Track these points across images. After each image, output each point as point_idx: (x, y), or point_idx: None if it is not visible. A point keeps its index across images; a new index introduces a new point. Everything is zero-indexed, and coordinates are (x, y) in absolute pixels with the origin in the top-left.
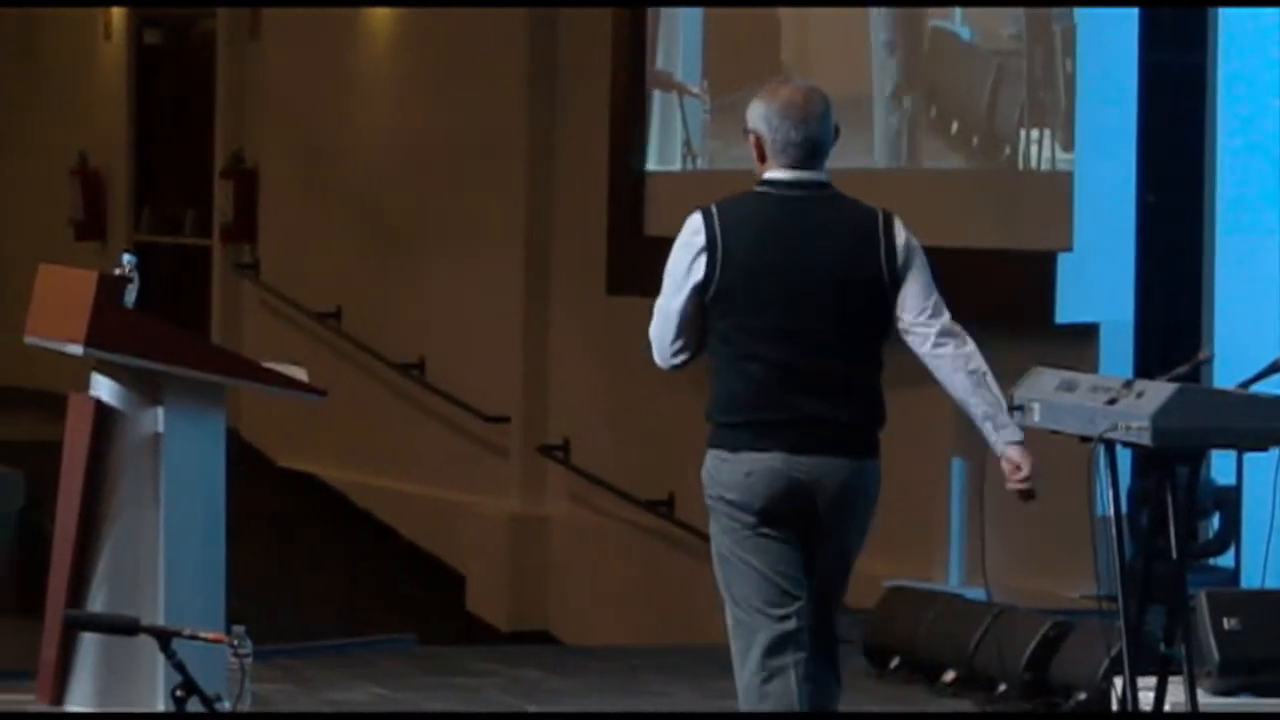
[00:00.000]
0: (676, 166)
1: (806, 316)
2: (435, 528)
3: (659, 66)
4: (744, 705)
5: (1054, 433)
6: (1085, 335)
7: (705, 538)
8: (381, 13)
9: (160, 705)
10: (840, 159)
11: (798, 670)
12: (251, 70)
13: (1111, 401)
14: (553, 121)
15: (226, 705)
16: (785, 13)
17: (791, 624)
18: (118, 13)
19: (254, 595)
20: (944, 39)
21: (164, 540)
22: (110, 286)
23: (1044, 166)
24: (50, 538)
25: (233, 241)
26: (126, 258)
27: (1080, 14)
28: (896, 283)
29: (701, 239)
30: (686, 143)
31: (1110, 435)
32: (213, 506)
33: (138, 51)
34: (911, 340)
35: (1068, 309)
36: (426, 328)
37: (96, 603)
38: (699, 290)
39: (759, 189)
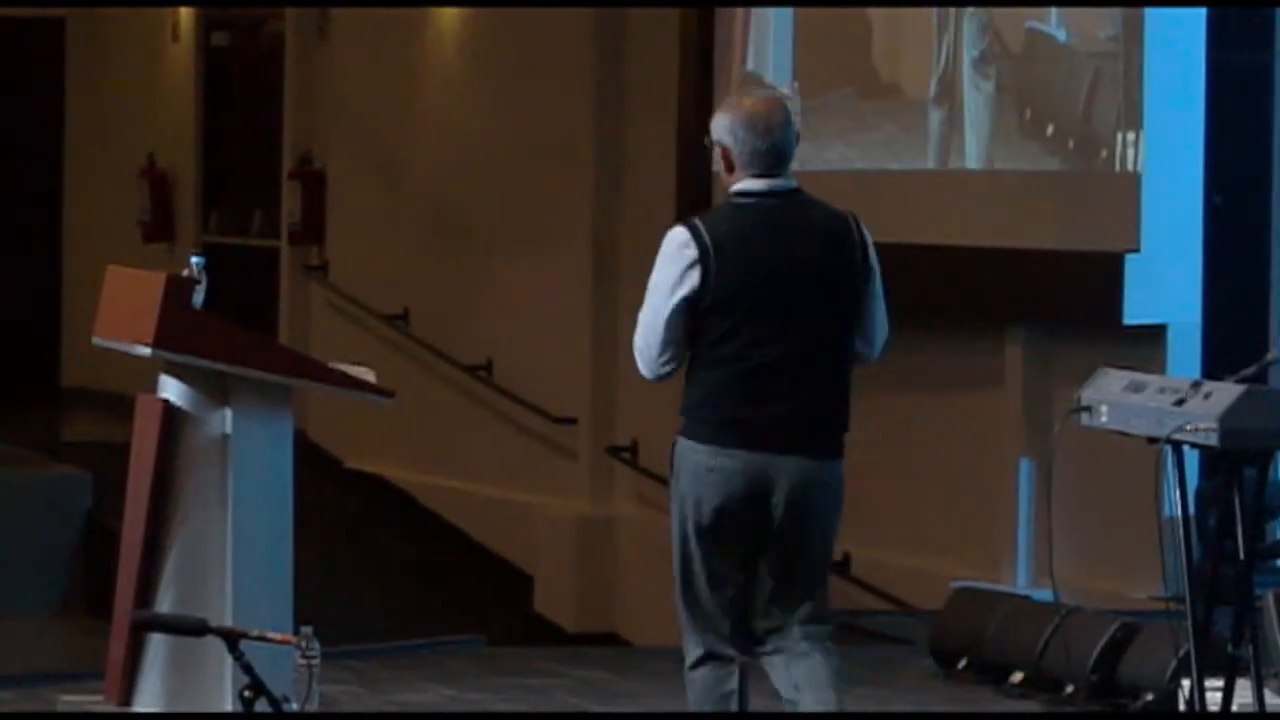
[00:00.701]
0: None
1: (796, 318)
2: (503, 529)
3: (749, 68)
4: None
5: (1121, 434)
6: (1153, 336)
7: None
8: (450, 13)
9: (228, 706)
10: (922, 160)
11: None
12: (320, 71)
13: (1179, 403)
14: (621, 121)
15: (294, 706)
16: (876, 14)
17: (729, 650)
18: (186, 15)
19: (321, 596)
20: (1040, 40)
21: (232, 541)
22: (178, 288)
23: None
24: (118, 539)
25: (301, 243)
26: (195, 259)
27: (1149, 15)
28: (868, 281)
29: (693, 251)
30: None
31: (1177, 436)
32: (280, 508)
33: (206, 53)
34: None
35: (1135, 310)
36: (494, 329)
37: (164, 604)
38: (690, 301)
39: (736, 200)
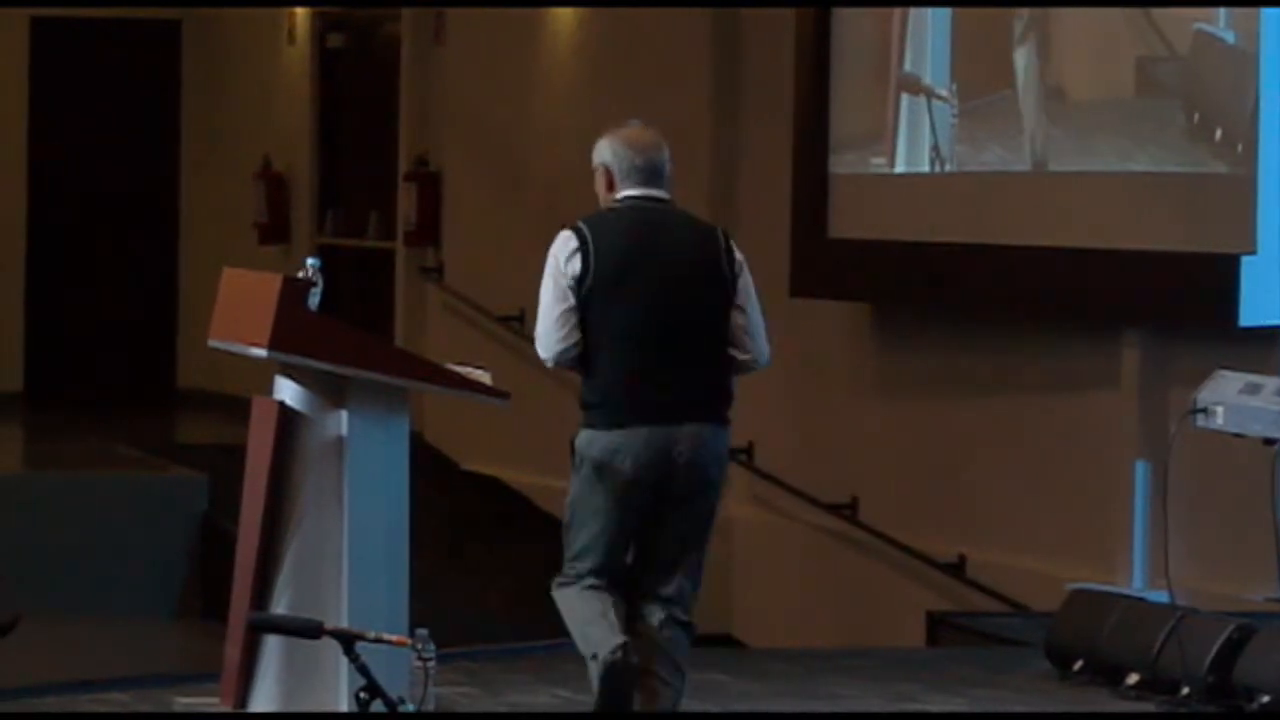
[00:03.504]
0: (924, 169)
1: (666, 302)
2: None
3: (907, 69)
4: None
5: (1238, 436)
6: (1269, 338)
7: (890, 541)
8: (565, 13)
9: (343, 708)
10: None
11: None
12: (435, 73)
13: None
14: (736, 122)
15: (410, 708)
16: (1038, 15)
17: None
18: (301, 16)
19: (437, 598)
20: (1207, 42)
21: (348, 543)
22: (294, 290)
23: None
24: (234, 541)
25: (417, 245)
26: (310, 261)
27: (1266, 14)
28: (734, 278)
29: (574, 243)
30: (935, 146)
31: None
32: (396, 509)
33: (321, 55)
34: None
35: (1252, 312)
36: None
37: (280, 606)
38: (575, 287)
39: (615, 205)
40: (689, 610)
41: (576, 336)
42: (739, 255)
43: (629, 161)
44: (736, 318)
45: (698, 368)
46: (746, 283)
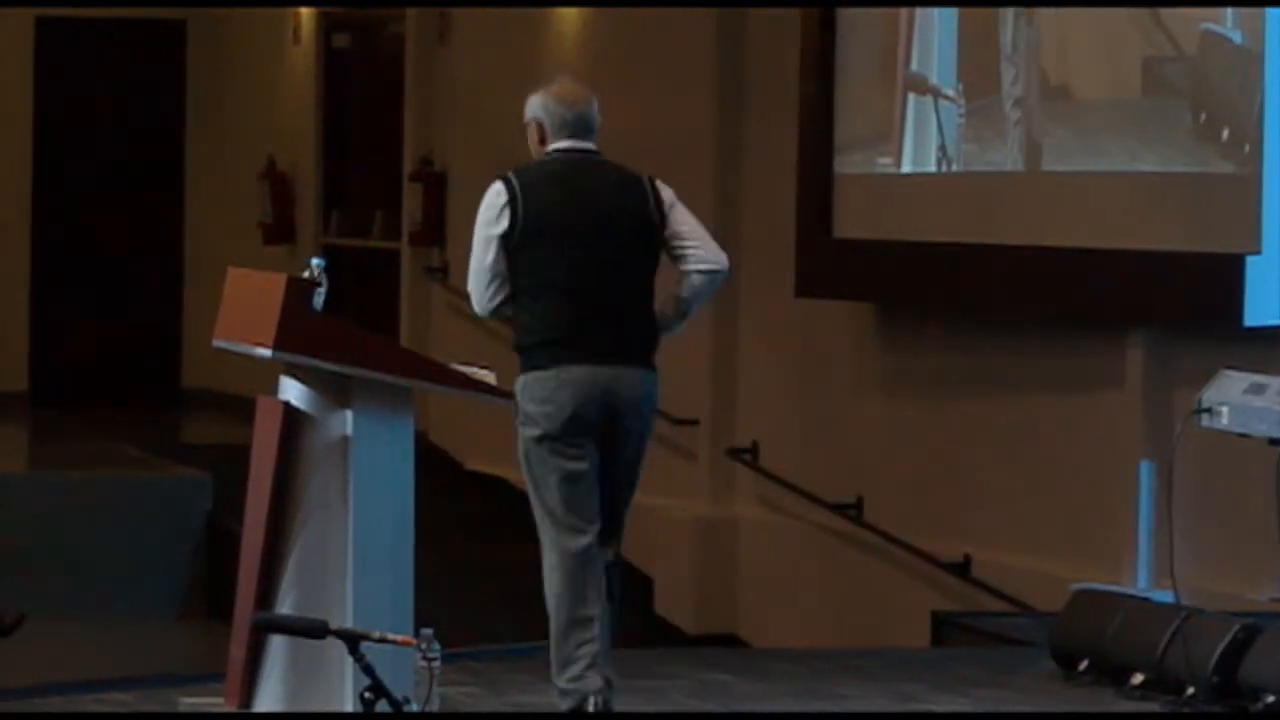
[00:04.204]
0: (931, 169)
1: (595, 249)
2: None
3: (913, 69)
4: (556, 584)
5: (1242, 436)
6: (1274, 338)
7: (895, 541)
8: (570, 13)
9: (348, 708)
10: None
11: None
12: (440, 73)
13: None
14: (741, 122)
15: (414, 707)
16: (1044, 14)
17: (592, 538)
18: (306, 17)
19: (442, 598)
20: (1214, 42)
21: (352, 543)
22: (299, 290)
23: None
24: (239, 541)
25: (422, 245)
26: (315, 261)
27: (1272, 14)
28: (663, 223)
29: (504, 197)
30: (941, 146)
31: None
32: (401, 509)
33: (327, 55)
34: (675, 259)
35: (1256, 312)
36: None
37: (285, 605)
38: (505, 238)
39: (546, 157)
40: (620, 548)
41: (506, 291)
42: (666, 196)
43: (560, 116)
44: (679, 235)
45: (627, 312)
46: (680, 211)
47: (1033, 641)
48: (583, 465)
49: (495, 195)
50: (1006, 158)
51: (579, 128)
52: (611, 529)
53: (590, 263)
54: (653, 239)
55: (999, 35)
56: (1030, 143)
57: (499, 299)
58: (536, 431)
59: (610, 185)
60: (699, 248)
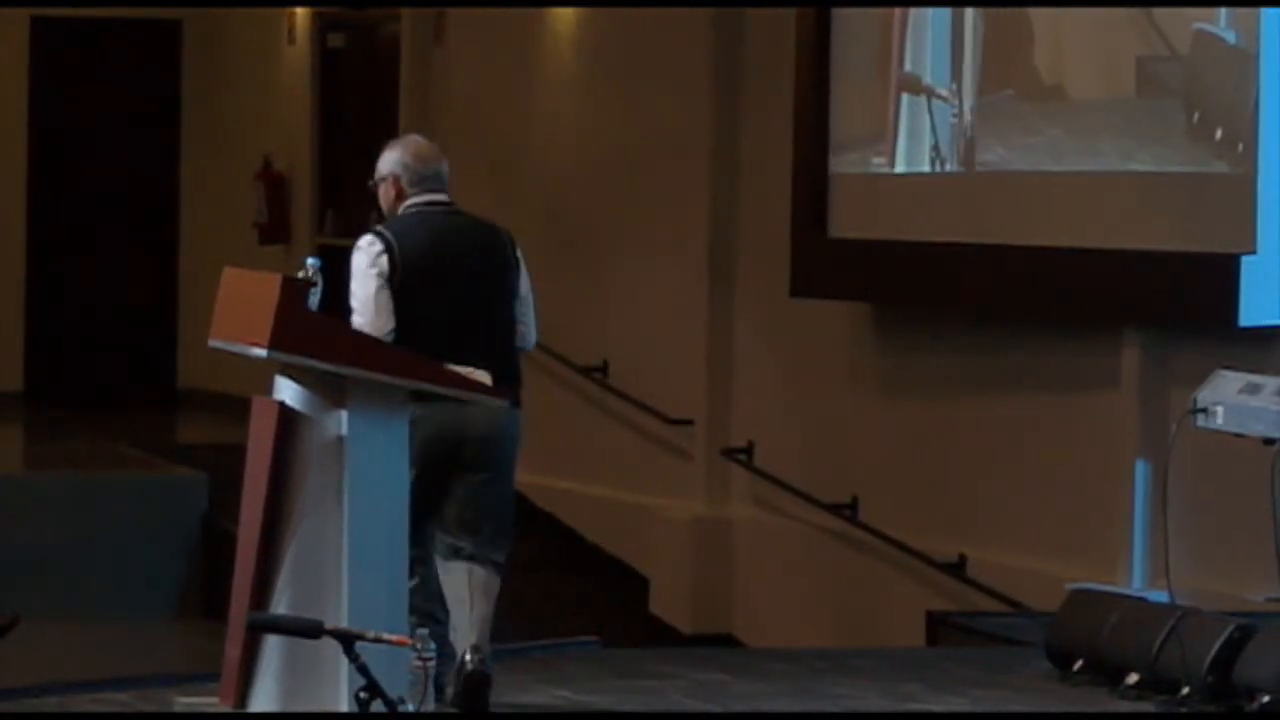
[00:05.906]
0: (925, 169)
1: (463, 296)
2: (618, 530)
3: (907, 69)
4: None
5: (1238, 436)
6: (1269, 338)
7: (890, 541)
8: (566, 13)
9: (343, 707)
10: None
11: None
12: (436, 73)
13: None
14: (737, 123)
15: (410, 707)
16: (1038, 14)
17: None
18: (302, 17)
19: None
20: (1207, 41)
21: (348, 543)
22: (294, 290)
23: None
24: (234, 541)
25: None
26: (310, 261)
27: (1266, 14)
28: (517, 269)
29: (380, 246)
30: (935, 146)
31: None
32: (396, 509)
33: (322, 55)
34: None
35: (1252, 312)
36: (610, 330)
37: (280, 605)
38: (387, 278)
39: (408, 211)
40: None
41: (393, 321)
42: (519, 251)
43: (417, 172)
44: (517, 307)
45: (490, 353)
46: (525, 278)
47: (1028, 641)
48: (434, 496)
49: (369, 244)
50: (1001, 157)
51: (436, 182)
52: (478, 536)
53: (457, 309)
54: (511, 283)
55: (993, 35)
56: (1025, 143)
57: (389, 330)
58: (414, 451)
59: (473, 237)
60: (521, 323)
